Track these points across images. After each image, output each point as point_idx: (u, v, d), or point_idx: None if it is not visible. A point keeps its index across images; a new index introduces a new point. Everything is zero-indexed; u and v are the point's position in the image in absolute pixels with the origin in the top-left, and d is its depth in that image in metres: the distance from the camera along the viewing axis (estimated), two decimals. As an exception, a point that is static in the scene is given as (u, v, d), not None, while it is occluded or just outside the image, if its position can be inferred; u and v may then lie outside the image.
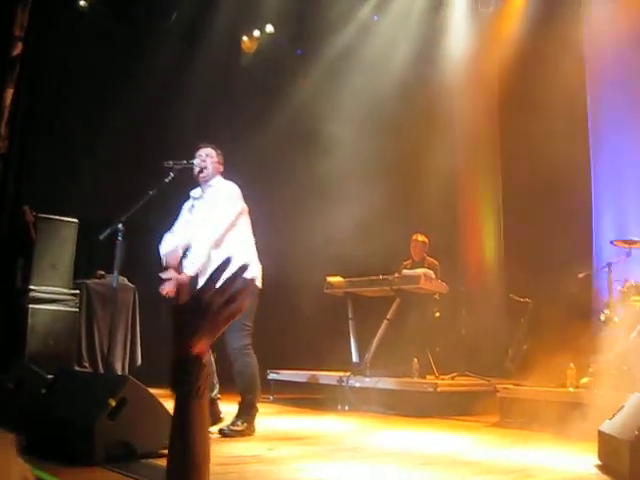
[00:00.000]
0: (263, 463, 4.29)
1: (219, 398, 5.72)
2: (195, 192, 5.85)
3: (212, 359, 5.56)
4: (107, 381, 4.64)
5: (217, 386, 5.72)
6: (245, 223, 5.71)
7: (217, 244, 5.46)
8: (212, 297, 1.40)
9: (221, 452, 4.58)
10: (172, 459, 1.34)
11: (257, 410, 5.63)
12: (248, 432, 5.43)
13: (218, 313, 1.40)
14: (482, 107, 10.62)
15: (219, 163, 5.82)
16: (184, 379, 1.35)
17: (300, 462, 4.35)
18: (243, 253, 5.46)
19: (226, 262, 1.48)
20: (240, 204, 5.68)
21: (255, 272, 5.54)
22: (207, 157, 5.74)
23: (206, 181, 5.73)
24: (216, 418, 5.51)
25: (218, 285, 1.43)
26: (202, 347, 1.39)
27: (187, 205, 5.87)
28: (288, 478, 3.79)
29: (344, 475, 3.97)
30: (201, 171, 5.69)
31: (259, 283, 5.63)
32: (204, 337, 1.39)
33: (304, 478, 3.81)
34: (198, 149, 5.81)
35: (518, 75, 9.70)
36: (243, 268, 1.46)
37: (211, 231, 5.48)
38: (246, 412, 5.49)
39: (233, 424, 5.41)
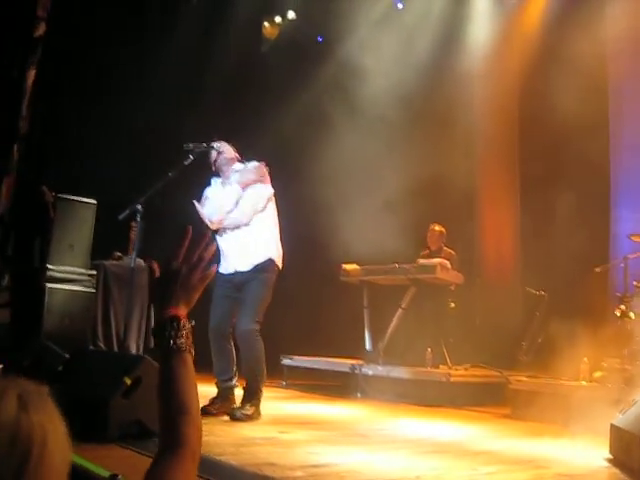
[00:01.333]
0: (275, 446, 4.33)
1: (236, 386, 5.75)
2: (218, 179, 5.93)
3: (232, 349, 5.65)
4: (123, 360, 4.68)
5: (236, 375, 5.74)
6: (272, 207, 5.82)
7: (246, 224, 5.69)
8: (178, 265, 1.57)
9: (234, 434, 4.63)
10: (161, 409, 1.46)
11: (262, 394, 5.64)
12: (255, 416, 5.45)
13: (188, 278, 1.57)
14: (502, 98, 10.57)
15: (235, 150, 5.95)
16: (163, 338, 1.50)
17: (312, 446, 4.39)
18: (267, 236, 5.74)
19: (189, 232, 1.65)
20: (270, 189, 5.82)
21: (276, 255, 5.74)
22: (222, 144, 5.84)
23: (226, 164, 5.81)
24: (230, 404, 5.57)
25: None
26: (180, 311, 1.54)
27: (212, 189, 5.93)
28: (300, 461, 3.82)
29: (355, 460, 3.99)
30: (219, 153, 5.78)
31: (279, 265, 5.77)
32: (180, 302, 1.55)
33: (316, 461, 3.84)
34: (212, 143, 5.90)
35: (539, 66, 9.64)
36: (204, 235, 1.64)
37: (243, 213, 5.65)
38: (253, 396, 5.50)
39: (243, 408, 5.42)
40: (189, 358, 1.51)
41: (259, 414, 5.51)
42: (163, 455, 1.38)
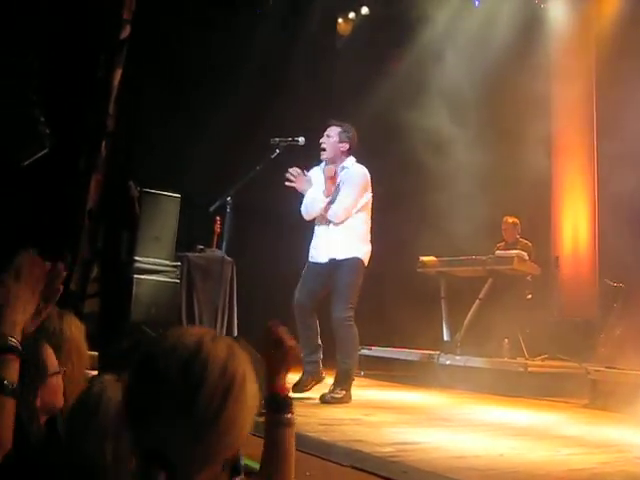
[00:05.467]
0: (362, 426, 4.52)
1: (321, 358, 5.95)
2: (323, 166, 6.13)
3: (316, 323, 5.86)
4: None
5: (321, 348, 5.96)
6: (367, 209, 6.02)
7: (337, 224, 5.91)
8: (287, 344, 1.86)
9: (323, 415, 4.83)
10: (264, 470, 1.78)
11: (353, 379, 5.84)
12: (346, 399, 5.64)
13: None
14: (579, 90, 10.51)
15: (341, 142, 5.99)
16: (278, 413, 1.81)
17: (397, 427, 4.57)
18: (358, 235, 5.93)
19: None
20: (367, 196, 6.04)
21: (363, 253, 5.92)
22: (327, 137, 5.98)
23: (330, 161, 6.01)
24: (319, 377, 5.81)
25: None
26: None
27: (316, 171, 6.15)
28: (387, 438, 4.00)
29: (440, 439, 4.15)
30: (322, 150, 5.97)
31: (365, 262, 5.96)
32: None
33: (402, 439, 4.01)
34: (326, 127, 6.04)
35: (616, 57, 9.55)
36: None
37: (336, 214, 5.87)
38: (344, 381, 5.70)
39: (333, 391, 5.62)
40: (293, 431, 1.81)
41: (349, 398, 5.70)
42: None
